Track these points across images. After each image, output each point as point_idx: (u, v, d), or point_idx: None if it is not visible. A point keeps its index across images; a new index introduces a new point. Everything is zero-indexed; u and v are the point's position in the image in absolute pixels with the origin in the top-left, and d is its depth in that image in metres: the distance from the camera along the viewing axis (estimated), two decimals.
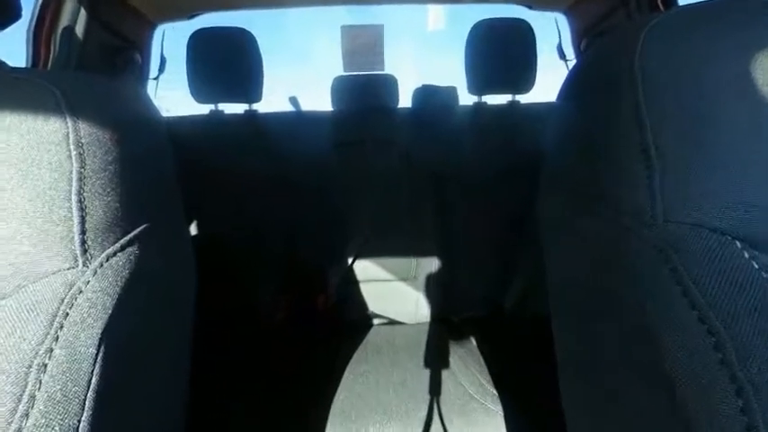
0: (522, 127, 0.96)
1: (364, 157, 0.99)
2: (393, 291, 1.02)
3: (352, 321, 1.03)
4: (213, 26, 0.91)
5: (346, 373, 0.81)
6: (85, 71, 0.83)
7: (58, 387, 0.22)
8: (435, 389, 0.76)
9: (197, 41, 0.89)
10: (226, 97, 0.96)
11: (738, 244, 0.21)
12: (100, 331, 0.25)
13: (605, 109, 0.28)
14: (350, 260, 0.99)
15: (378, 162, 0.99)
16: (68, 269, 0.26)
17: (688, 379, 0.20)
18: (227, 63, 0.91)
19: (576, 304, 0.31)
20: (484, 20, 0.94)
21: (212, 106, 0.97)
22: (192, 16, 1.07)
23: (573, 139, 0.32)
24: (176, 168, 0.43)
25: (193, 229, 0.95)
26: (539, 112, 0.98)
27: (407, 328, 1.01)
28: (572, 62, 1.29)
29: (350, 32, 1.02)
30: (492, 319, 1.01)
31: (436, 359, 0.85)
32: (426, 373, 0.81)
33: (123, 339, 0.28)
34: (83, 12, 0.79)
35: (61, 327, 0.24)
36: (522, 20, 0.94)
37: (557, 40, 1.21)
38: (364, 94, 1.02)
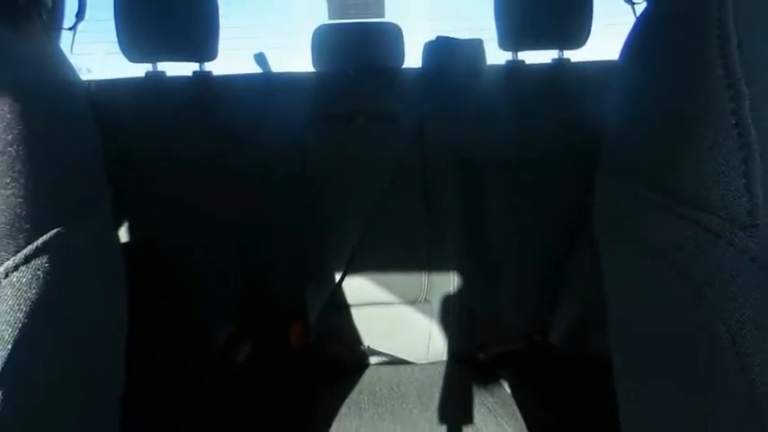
0: (574, 94, 0.96)
1: (357, 136, 1.00)
2: (396, 318, 1.02)
3: (339, 360, 1.03)
4: None
5: (332, 429, 0.82)
6: None
7: None
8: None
9: None
10: (168, 54, 0.96)
11: None
12: None
13: (686, 70, 0.28)
14: (337, 277, 0.99)
15: (377, 143, 0.99)
16: None
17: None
18: (169, 7, 0.91)
19: (646, 337, 0.31)
20: None
21: (150, 66, 0.98)
22: None
23: (642, 111, 0.33)
24: (102, 152, 0.43)
25: (124, 235, 0.95)
26: (596, 74, 0.98)
27: (416, 369, 1.01)
28: (641, 6, 1.29)
29: None
30: (532, 357, 1.02)
31: (456, 411, 0.85)
32: (443, 430, 0.81)
33: (27, 384, 0.28)
34: None
35: None
36: None
37: None
38: (357, 51, 1.02)
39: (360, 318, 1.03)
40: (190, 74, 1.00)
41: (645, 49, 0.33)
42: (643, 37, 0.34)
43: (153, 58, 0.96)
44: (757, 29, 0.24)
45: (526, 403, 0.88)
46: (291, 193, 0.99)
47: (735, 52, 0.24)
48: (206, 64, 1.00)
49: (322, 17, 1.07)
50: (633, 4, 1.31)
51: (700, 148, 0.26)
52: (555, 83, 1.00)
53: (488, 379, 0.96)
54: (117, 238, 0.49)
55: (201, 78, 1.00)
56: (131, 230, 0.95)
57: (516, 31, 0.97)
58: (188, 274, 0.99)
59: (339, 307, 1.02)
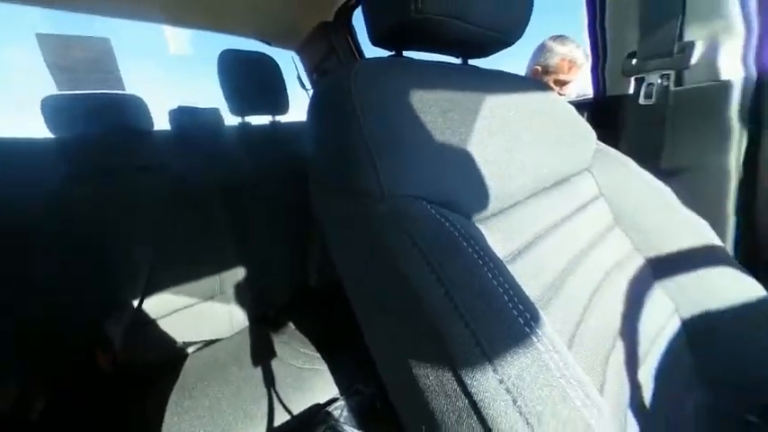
0: (285, 141, 0.97)
1: (125, 186, 0.74)
2: (201, 313, 0.84)
3: (159, 361, 0.77)
4: None
5: (166, 420, 0.61)
6: None
7: None
8: (269, 380, 0.70)
9: None
10: None
11: (429, 205, 0.28)
12: None
13: (340, 125, 0.32)
14: (135, 302, 0.73)
15: (146, 189, 0.76)
16: None
17: (424, 300, 0.24)
18: None
19: (352, 263, 0.34)
20: (229, 50, 0.87)
21: None
22: None
23: (324, 148, 0.35)
24: None
25: None
26: (297, 128, 1.01)
27: (227, 341, 0.86)
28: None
29: (55, 43, 0.70)
30: (302, 301, 1.00)
31: (263, 355, 0.77)
32: (258, 370, 0.73)
33: None
34: None
35: None
36: (267, 55, 0.94)
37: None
38: (104, 117, 0.75)
39: (169, 323, 0.79)
40: None
41: (318, 115, 0.36)
42: (316, 108, 0.36)
43: None
44: (365, 103, 0.30)
45: (305, 330, 0.87)
46: (67, 248, 0.66)
47: (360, 115, 0.29)
48: None
49: (49, 86, 0.72)
50: (307, 90, 1.40)
51: (354, 164, 0.30)
52: (273, 135, 0.99)
53: (279, 326, 0.90)
54: None
55: None
56: None
57: (241, 104, 0.90)
58: None
59: (145, 323, 0.75)
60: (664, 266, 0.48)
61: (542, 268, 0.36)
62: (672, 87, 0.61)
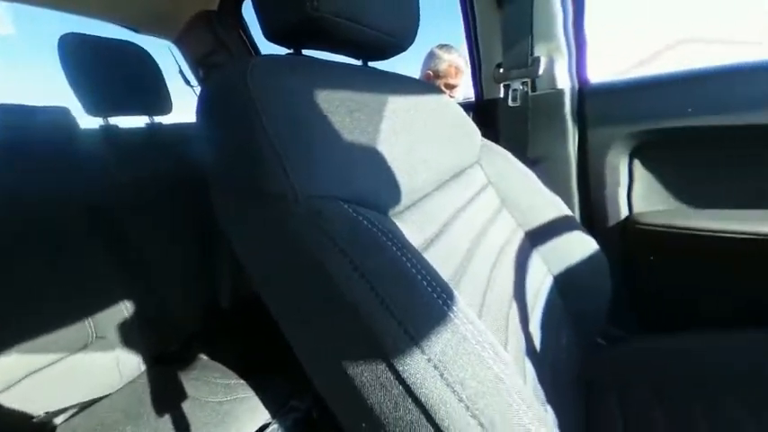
0: (170, 145, 0.83)
1: None
2: (72, 369, 0.65)
3: None
4: None
5: None
6: None
7: None
8: (182, 428, 0.59)
9: None
10: None
11: (346, 204, 0.28)
12: None
13: (239, 124, 0.29)
14: None
15: None
16: None
17: (349, 297, 0.24)
18: None
19: (269, 271, 0.32)
20: (75, 34, 0.69)
21: None
22: None
23: (222, 150, 0.32)
24: None
25: None
26: (187, 129, 0.88)
27: (116, 395, 0.69)
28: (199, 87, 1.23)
29: None
30: (214, 326, 0.88)
31: (169, 400, 0.65)
32: (165, 420, 0.61)
33: None
34: None
35: None
36: (133, 43, 0.78)
37: None
38: None
39: (17, 396, 0.58)
40: None
41: (213, 115, 0.32)
42: (208, 108, 0.33)
43: None
44: (265, 103, 0.28)
45: (223, 358, 0.77)
46: None
47: (261, 114, 0.28)
48: None
49: None
50: (192, 86, 1.23)
51: (263, 167, 0.28)
52: (151, 139, 0.83)
53: (187, 359, 0.77)
54: None
55: None
56: None
57: (103, 101, 0.73)
58: None
59: None
60: (537, 237, 0.60)
61: (452, 251, 0.41)
62: (530, 93, 0.76)
